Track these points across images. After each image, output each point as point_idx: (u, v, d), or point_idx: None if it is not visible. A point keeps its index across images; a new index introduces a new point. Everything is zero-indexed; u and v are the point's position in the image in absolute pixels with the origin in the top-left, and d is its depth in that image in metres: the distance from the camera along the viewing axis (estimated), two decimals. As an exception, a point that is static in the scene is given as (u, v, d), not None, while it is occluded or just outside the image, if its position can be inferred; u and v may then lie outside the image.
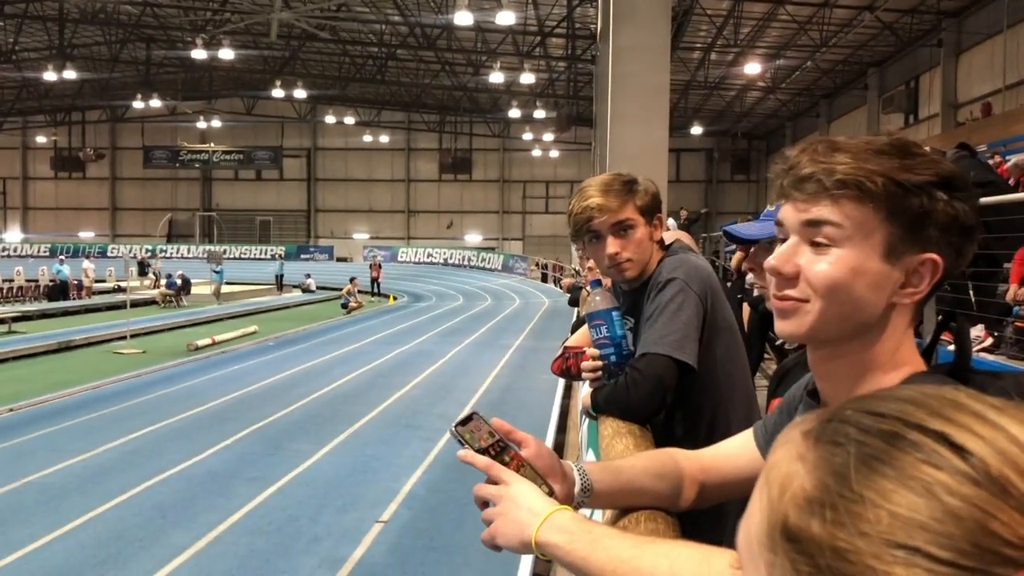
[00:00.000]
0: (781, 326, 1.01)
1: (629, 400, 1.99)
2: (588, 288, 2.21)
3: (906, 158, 0.94)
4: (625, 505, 1.35)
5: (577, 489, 1.25)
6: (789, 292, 0.98)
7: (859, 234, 0.94)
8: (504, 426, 1.19)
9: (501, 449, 1.15)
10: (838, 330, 0.98)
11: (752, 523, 0.48)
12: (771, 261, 0.99)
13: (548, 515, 1.05)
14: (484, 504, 1.13)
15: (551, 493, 1.13)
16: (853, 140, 0.97)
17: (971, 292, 6.30)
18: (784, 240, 1.01)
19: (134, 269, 29.77)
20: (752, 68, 27.30)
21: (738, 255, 11.41)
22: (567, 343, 2.93)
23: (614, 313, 2.09)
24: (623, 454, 1.72)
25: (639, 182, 2.16)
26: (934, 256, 0.95)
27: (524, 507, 1.08)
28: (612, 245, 2.11)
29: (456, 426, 1.15)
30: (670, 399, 2.01)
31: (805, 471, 0.45)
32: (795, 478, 0.45)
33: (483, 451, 1.14)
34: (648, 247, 2.16)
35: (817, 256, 0.96)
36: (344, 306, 25.77)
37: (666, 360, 1.98)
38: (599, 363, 2.13)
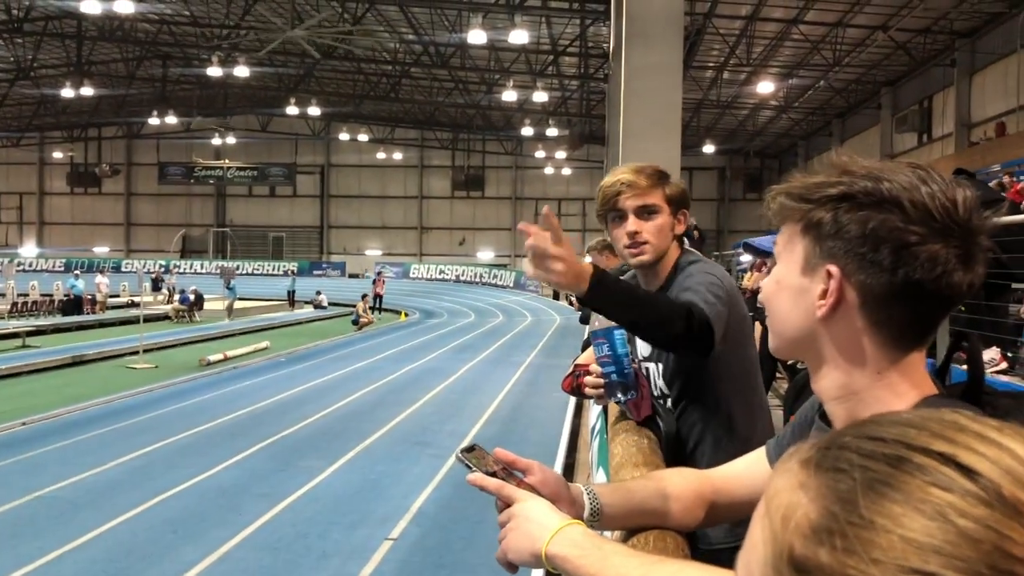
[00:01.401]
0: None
1: (690, 325, 1.80)
2: None
3: (803, 178, 0.98)
4: (635, 526, 1.34)
5: (587, 514, 1.25)
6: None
7: (785, 252, 1.00)
8: (507, 456, 1.20)
9: (507, 475, 1.16)
10: (788, 345, 1.03)
11: (754, 556, 0.47)
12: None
13: (560, 529, 1.06)
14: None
15: None
16: (800, 175, 1.01)
17: (984, 312, 6.25)
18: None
19: (148, 284, 29.96)
20: (765, 87, 27.32)
21: (755, 275, 11.39)
22: (577, 361, 2.92)
23: (616, 332, 2.08)
24: (632, 474, 1.72)
25: (670, 176, 2.20)
26: (830, 267, 0.93)
27: (535, 521, 1.08)
28: (633, 224, 2.11)
29: (462, 451, 1.16)
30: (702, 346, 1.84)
31: (808, 499, 0.44)
32: (798, 507, 0.44)
33: (492, 474, 1.15)
34: (668, 237, 2.16)
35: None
36: (355, 322, 25.95)
37: (701, 310, 1.84)
38: (600, 380, 2.14)
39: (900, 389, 0.97)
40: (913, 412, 0.48)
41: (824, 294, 0.95)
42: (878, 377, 0.97)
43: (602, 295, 1.72)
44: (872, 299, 0.93)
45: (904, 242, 0.90)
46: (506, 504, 1.13)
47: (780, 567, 0.43)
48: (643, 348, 2.24)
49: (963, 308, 6.24)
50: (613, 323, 2.10)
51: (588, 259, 6.58)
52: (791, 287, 0.99)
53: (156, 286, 34.01)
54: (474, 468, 1.15)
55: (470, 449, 1.18)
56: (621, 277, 2.50)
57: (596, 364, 2.17)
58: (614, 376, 2.11)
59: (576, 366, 2.76)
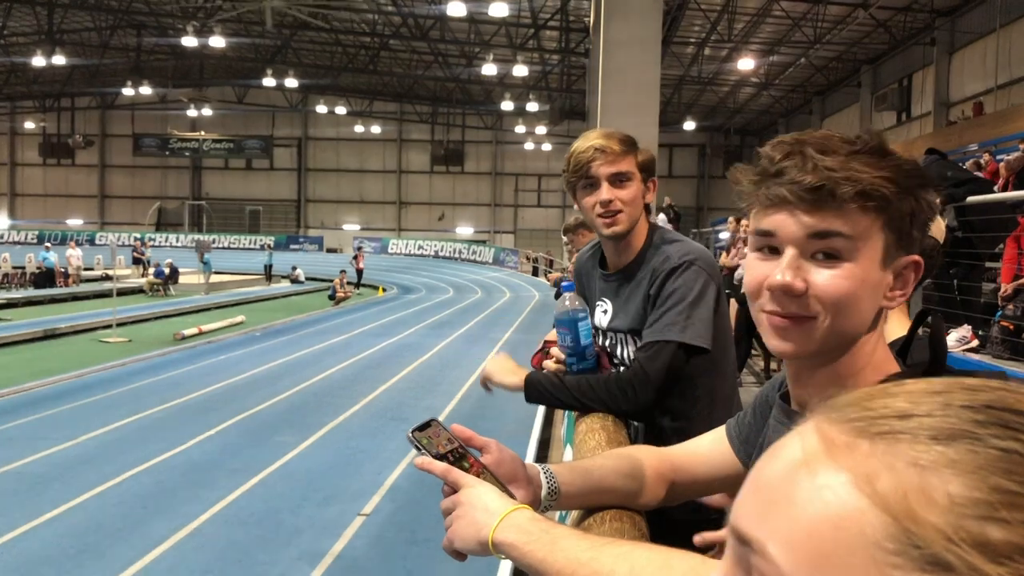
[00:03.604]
0: (781, 345, 0.97)
1: (625, 399, 1.97)
2: (561, 287, 2.18)
3: (890, 159, 0.92)
4: (593, 505, 1.32)
5: (544, 492, 1.23)
6: (794, 310, 0.94)
7: (865, 244, 0.92)
8: (464, 432, 1.16)
9: (460, 456, 1.12)
10: (840, 342, 0.96)
11: (840, 553, 0.39)
12: (777, 278, 0.94)
13: (505, 515, 1.03)
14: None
15: (512, 499, 1.10)
16: (833, 141, 0.93)
17: (956, 291, 6.30)
18: (768, 250, 0.97)
19: (122, 257, 29.57)
20: (746, 64, 27.28)
21: (733, 252, 11.42)
22: (547, 337, 2.89)
23: (580, 323, 2.05)
24: (596, 449, 1.69)
25: (639, 143, 2.18)
26: (916, 258, 0.94)
27: (480, 508, 1.05)
28: (607, 191, 2.07)
29: (413, 431, 1.12)
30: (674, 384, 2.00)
31: (943, 477, 0.38)
32: (933, 488, 0.38)
33: (441, 457, 1.11)
34: (640, 207, 2.13)
35: (825, 269, 0.93)
36: (332, 297, 25.87)
37: (674, 348, 1.96)
38: (561, 367, 2.13)
39: (883, 368, 0.99)
40: (944, 380, 0.43)
41: (899, 284, 0.96)
42: (871, 356, 0.99)
43: (538, 397, 2.03)
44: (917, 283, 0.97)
45: (930, 224, 0.95)
46: (452, 489, 1.09)
47: (910, 554, 0.37)
48: (616, 321, 2.20)
49: (934, 287, 6.27)
50: (577, 310, 2.06)
51: (564, 238, 6.56)
52: (873, 283, 0.94)
53: (136, 260, 33.30)
54: (423, 450, 1.11)
55: (425, 426, 1.14)
56: (589, 246, 2.46)
57: (558, 349, 2.14)
58: (574, 366, 2.09)
59: (545, 343, 2.73)
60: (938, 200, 0.97)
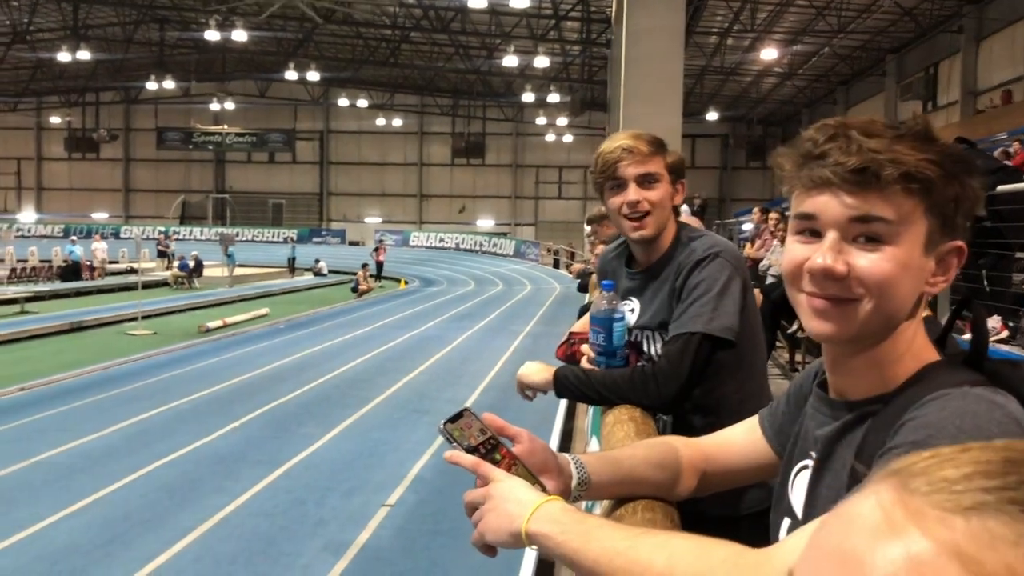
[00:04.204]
0: (821, 327, 0.96)
1: (647, 392, 1.95)
2: (601, 285, 2.16)
3: (935, 144, 0.91)
4: (624, 495, 1.31)
5: (574, 483, 1.23)
6: (836, 292, 0.93)
7: (907, 228, 0.91)
8: (496, 421, 1.16)
9: (492, 447, 1.11)
10: (881, 327, 0.95)
11: None
12: (819, 261, 0.93)
13: (538, 505, 1.02)
14: (473, 510, 1.09)
15: (544, 491, 1.09)
16: (877, 125, 0.92)
17: (985, 282, 6.20)
18: (809, 233, 0.96)
19: (147, 251, 29.85)
20: (769, 54, 27.05)
21: (758, 243, 11.34)
22: (572, 329, 2.88)
23: (616, 323, 2.03)
24: (624, 441, 1.68)
25: (667, 145, 2.15)
26: (960, 243, 0.93)
27: (513, 500, 1.04)
28: (634, 193, 2.05)
29: (445, 423, 1.12)
30: (702, 378, 1.98)
31: None
32: None
33: (472, 449, 1.10)
34: (668, 209, 2.10)
35: (868, 253, 0.92)
36: (354, 289, 26.05)
37: (699, 340, 1.94)
38: (591, 366, 2.11)
39: (922, 356, 0.97)
40: (1006, 444, 0.43)
41: (941, 270, 0.94)
42: (911, 343, 0.97)
43: (566, 392, 2.06)
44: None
45: (975, 211, 0.94)
46: (483, 482, 1.08)
47: None
48: (643, 318, 2.19)
49: (961, 277, 6.19)
50: (613, 310, 2.04)
51: (587, 229, 6.52)
52: (915, 267, 0.93)
53: (161, 253, 33.55)
54: (454, 442, 1.11)
55: (457, 416, 1.13)
56: (614, 244, 2.44)
57: (589, 347, 2.13)
58: (603, 366, 2.08)
59: (571, 334, 2.71)
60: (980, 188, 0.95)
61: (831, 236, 0.93)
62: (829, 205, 0.92)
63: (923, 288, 0.95)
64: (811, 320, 0.96)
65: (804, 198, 0.95)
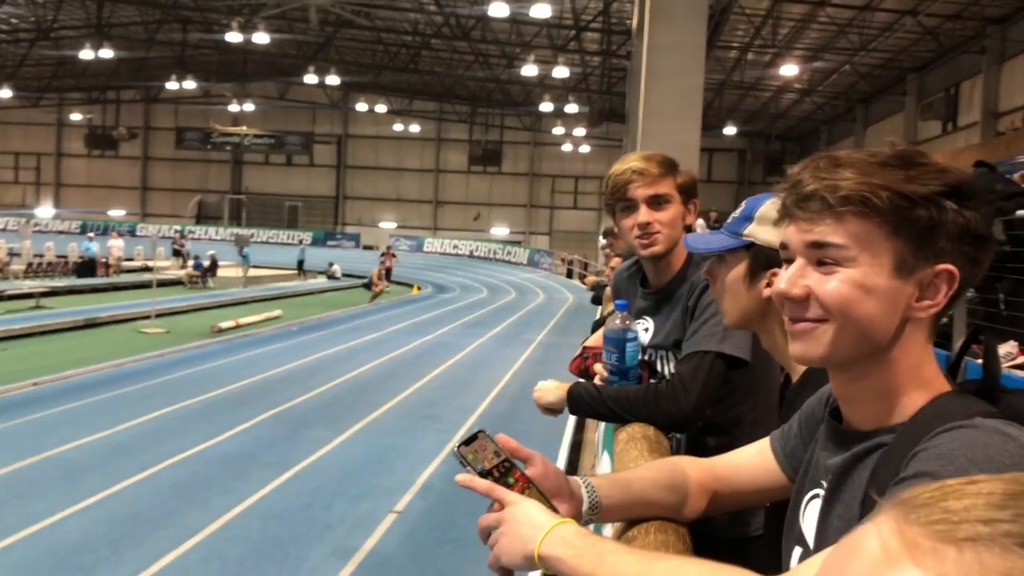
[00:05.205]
0: (795, 348, 1.00)
1: (660, 410, 1.95)
2: (616, 305, 2.16)
3: (911, 168, 0.92)
4: (634, 518, 1.32)
5: (585, 507, 1.23)
6: (803, 315, 0.97)
7: (865, 252, 0.92)
8: (510, 443, 1.16)
9: (506, 471, 1.12)
10: (854, 350, 0.96)
11: None
12: (779, 286, 0.98)
13: (551, 528, 1.03)
14: (488, 535, 1.10)
15: (557, 514, 1.10)
16: (856, 154, 0.95)
17: (1002, 306, 6.16)
18: (790, 261, 0.99)
19: (162, 249, 29.99)
20: (789, 69, 26.98)
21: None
22: (586, 343, 2.87)
23: (628, 343, 2.03)
24: (638, 460, 1.68)
25: (679, 164, 2.16)
26: (949, 267, 0.92)
27: (526, 522, 1.05)
28: (645, 214, 2.06)
29: (460, 446, 1.12)
30: (715, 397, 1.98)
31: None
32: None
33: (486, 472, 1.10)
34: (680, 228, 2.11)
35: (825, 276, 0.94)
36: (367, 286, 26.72)
37: (712, 359, 1.94)
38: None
39: (933, 386, 0.97)
40: (1014, 476, 0.43)
41: (929, 294, 0.94)
42: (916, 372, 0.97)
43: (580, 409, 2.06)
44: (956, 295, 0.94)
45: (989, 237, 0.93)
46: (500, 506, 1.09)
47: None
48: (657, 338, 2.19)
49: (979, 302, 6.14)
50: (626, 330, 2.04)
51: (602, 241, 6.52)
52: (881, 290, 0.93)
53: (176, 252, 33.65)
54: (467, 466, 1.11)
55: (472, 439, 1.14)
56: (627, 263, 2.45)
57: (602, 366, 2.13)
58: (616, 384, 2.08)
59: (585, 348, 2.71)
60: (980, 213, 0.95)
61: (798, 263, 0.97)
62: (791, 234, 0.98)
63: (905, 314, 0.94)
64: (788, 342, 1.01)
65: (785, 228, 1.00)
